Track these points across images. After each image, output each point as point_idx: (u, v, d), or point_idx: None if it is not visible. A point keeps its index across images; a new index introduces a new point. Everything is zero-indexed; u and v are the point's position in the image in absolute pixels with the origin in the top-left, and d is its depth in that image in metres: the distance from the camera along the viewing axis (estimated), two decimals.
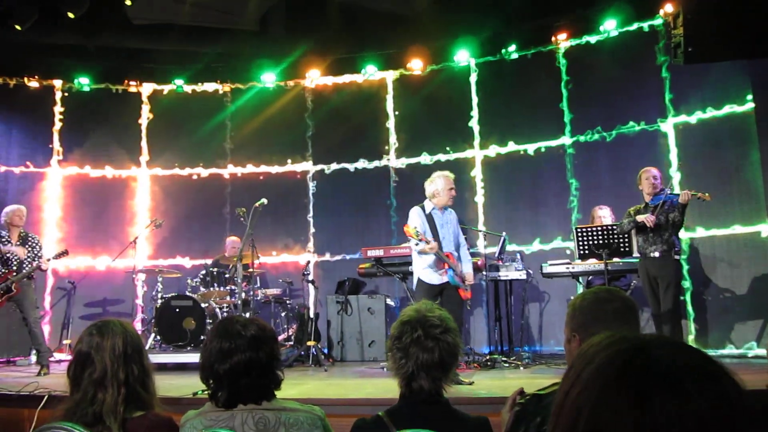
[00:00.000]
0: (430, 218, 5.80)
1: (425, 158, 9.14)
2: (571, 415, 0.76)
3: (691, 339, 7.45)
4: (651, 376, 0.73)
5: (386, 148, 9.36)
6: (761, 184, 7.12)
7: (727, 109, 7.46)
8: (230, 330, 2.11)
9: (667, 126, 7.85)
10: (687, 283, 7.55)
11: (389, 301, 8.25)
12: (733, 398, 0.72)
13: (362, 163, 9.38)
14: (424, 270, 5.75)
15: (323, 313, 8.17)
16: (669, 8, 7.52)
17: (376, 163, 9.38)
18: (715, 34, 6.20)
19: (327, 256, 9.32)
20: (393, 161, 9.32)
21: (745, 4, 5.95)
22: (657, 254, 5.93)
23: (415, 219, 5.79)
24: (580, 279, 7.34)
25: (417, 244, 5.59)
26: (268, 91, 9.66)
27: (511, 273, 7.34)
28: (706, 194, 5.72)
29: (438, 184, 5.78)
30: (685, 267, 7.48)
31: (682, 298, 6.99)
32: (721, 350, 7.23)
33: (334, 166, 9.47)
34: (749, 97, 7.29)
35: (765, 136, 7.11)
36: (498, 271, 7.39)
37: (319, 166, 9.53)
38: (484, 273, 7.06)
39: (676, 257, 5.85)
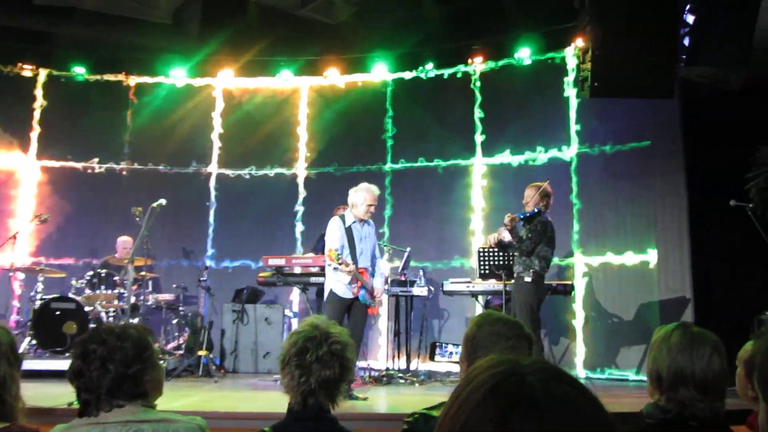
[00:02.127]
0: (349, 232, 5.83)
1: (336, 169, 9.27)
2: None
3: (579, 361, 7.87)
4: (516, 398, 0.80)
5: (296, 156, 9.42)
6: (653, 215, 7.66)
7: (628, 144, 7.98)
8: (98, 337, 1.99)
9: (571, 154, 8.33)
10: (578, 308, 8.00)
11: (288, 312, 8.26)
12: (588, 423, 0.79)
13: (270, 170, 9.38)
14: (337, 283, 5.80)
15: (218, 321, 8.05)
16: (580, 42, 7.99)
17: (284, 171, 9.41)
18: (621, 72, 6.67)
19: (226, 263, 9.25)
20: (302, 170, 9.42)
21: (647, 47, 6.45)
22: (515, 275, 6.12)
23: (335, 232, 5.82)
24: (479, 298, 7.61)
25: (335, 268, 5.65)
26: (176, 88, 9.50)
27: (413, 289, 7.52)
28: (508, 220, 5.94)
29: (359, 197, 5.83)
30: (580, 292, 7.94)
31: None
32: (607, 373, 7.65)
33: (241, 171, 9.43)
34: (647, 134, 7.85)
35: (659, 172, 7.69)
36: (400, 286, 7.57)
37: (225, 170, 9.47)
38: (387, 288, 7.19)
39: (528, 280, 5.92)
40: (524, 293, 5.92)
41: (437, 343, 7.38)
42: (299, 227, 9.23)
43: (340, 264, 5.53)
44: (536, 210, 6.07)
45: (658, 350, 2.01)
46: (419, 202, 9.06)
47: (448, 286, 7.41)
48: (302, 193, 9.33)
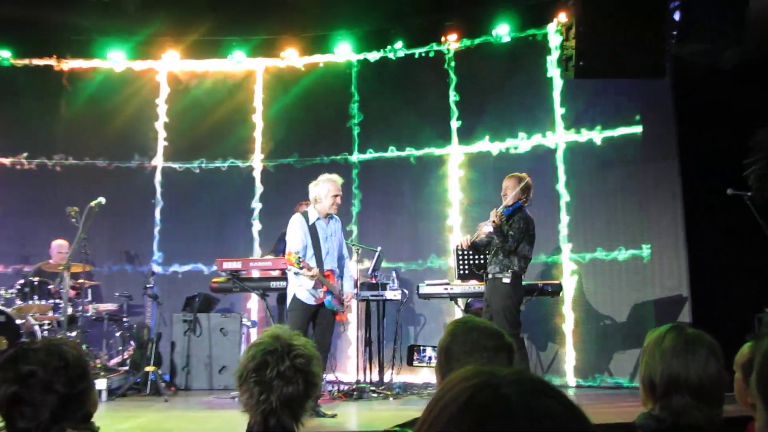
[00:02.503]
0: (313, 230, 5.83)
1: (296, 161, 9.26)
2: None
3: (569, 368, 7.98)
4: (492, 411, 0.83)
5: (252, 147, 9.39)
6: (645, 206, 7.80)
7: (617, 128, 8.10)
8: (32, 357, 1.96)
9: (557, 141, 8.42)
10: (567, 310, 8.10)
11: (245, 322, 8.24)
12: None
13: (223, 163, 9.37)
14: (301, 288, 5.80)
15: (167, 333, 8.00)
16: (563, 18, 8.08)
17: (239, 164, 9.39)
18: (607, 51, 6.77)
19: (175, 267, 9.20)
20: (259, 162, 9.39)
21: (635, 23, 6.54)
22: (489, 276, 6.19)
23: (296, 231, 5.82)
24: (459, 301, 7.64)
25: (296, 273, 5.63)
26: (115, 73, 9.36)
27: (385, 292, 7.56)
28: (497, 217, 6.01)
29: (322, 189, 5.83)
30: (569, 293, 8.04)
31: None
32: (599, 380, 7.78)
33: (190, 164, 9.38)
34: (637, 118, 7.97)
35: (650, 159, 7.83)
36: (371, 289, 7.59)
37: (172, 164, 9.41)
38: (357, 292, 7.21)
39: (507, 281, 6.00)
40: (502, 296, 5.97)
41: (415, 347, 7.43)
42: (257, 226, 9.20)
43: (301, 268, 5.50)
44: (518, 204, 6.13)
45: (650, 355, 2.04)
46: (390, 195, 9.09)
47: (424, 288, 7.44)
48: (259, 188, 9.31)
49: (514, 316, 5.95)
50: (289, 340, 2.15)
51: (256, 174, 9.38)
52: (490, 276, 6.13)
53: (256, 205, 9.28)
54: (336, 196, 5.87)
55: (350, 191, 8.88)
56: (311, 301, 5.79)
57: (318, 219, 5.88)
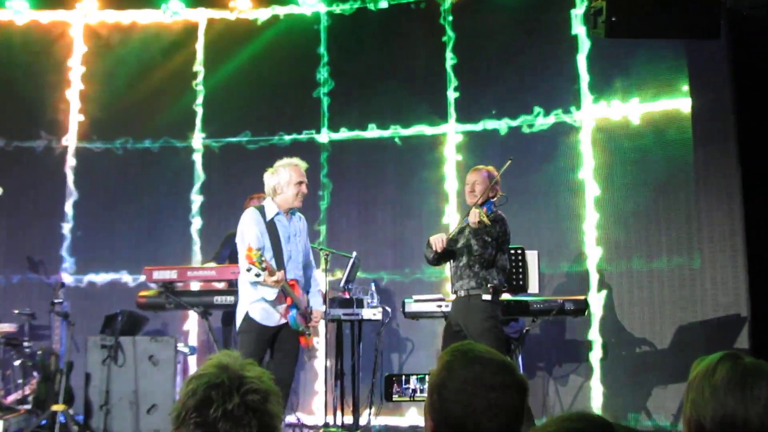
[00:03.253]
0: (271, 228, 5.80)
1: (249, 140, 9.25)
2: None
3: (596, 407, 7.98)
4: None
5: (192, 122, 9.38)
6: (695, 201, 7.77)
7: (658, 101, 8.13)
8: None
9: (582, 117, 8.45)
10: (595, 334, 8.12)
11: (182, 348, 8.18)
12: None
13: (154, 143, 9.36)
14: (257, 304, 5.74)
15: (80, 362, 7.85)
16: None
17: (175, 143, 9.38)
18: (646, 3, 6.77)
19: (91, 277, 9.16)
20: (199, 140, 9.40)
21: None
22: (461, 293, 6.29)
23: (251, 228, 5.76)
24: None
25: (258, 275, 5.51)
26: (15, 27, 9.33)
27: (362, 311, 7.52)
28: (483, 216, 6.03)
29: (282, 177, 5.81)
30: (597, 312, 8.08)
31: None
32: (634, 422, 7.75)
33: (111, 144, 9.37)
34: (684, 88, 7.98)
35: (701, 142, 7.81)
36: (344, 307, 7.55)
37: (88, 144, 9.39)
38: (327, 310, 7.20)
39: (488, 298, 6.14)
40: (483, 317, 6.13)
41: (395, 377, 7.44)
42: (197, 224, 9.20)
43: (264, 269, 5.43)
44: (491, 203, 6.34)
45: (698, 391, 2.03)
46: (369, 187, 9.13)
47: (412, 305, 7.38)
48: (201, 175, 9.31)
49: (501, 340, 6.16)
50: (240, 371, 2.12)
51: (197, 157, 9.37)
52: (462, 293, 6.26)
53: (197, 197, 9.27)
54: (300, 183, 5.85)
55: (317, 181, 8.84)
56: (269, 322, 5.74)
57: (278, 214, 5.84)
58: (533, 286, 7.40)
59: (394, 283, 8.72)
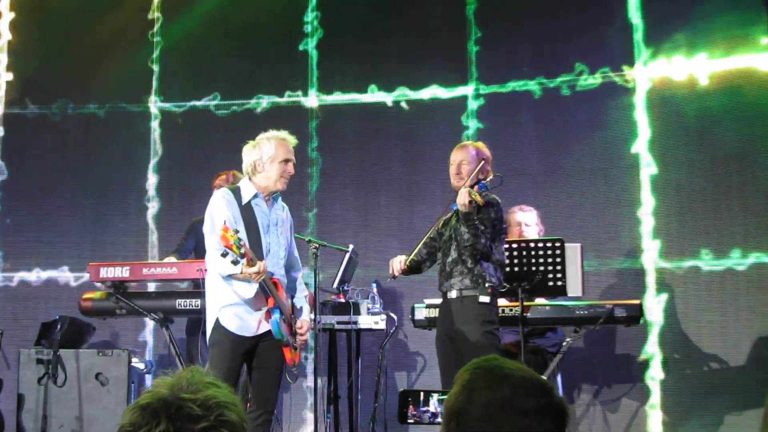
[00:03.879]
0: (248, 212, 5.72)
1: (218, 104, 9.25)
2: None
3: None
4: None
5: (147, 82, 9.38)
6: None
7: (731, 57, 8.07)
8: None
9: (635, 76, 8.42)
10: (653, 347, 8.04)
11: (137, 363, 8.14)
12: None
13: (101, 107, 9.36)
14: (229, 308, 5.65)
15: (11, 380, 7.93)
16: None
17: (126, 107, 9.39)
18: None
19: (23, 276, 9.16)
20: (157, 106, 9.42)
21: None
22: (452, 294, 6.30)
23: (222, 213, 5.65)
24: None
25: (235, 262, 5.40)
26: None
27: (360, 318, 7.50)
28: (476, 196, 6.02)
29: (265, 151, 5.73)
30: (656, 320, 7.99)
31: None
32: None
33: (46, 108, 9.38)
34: (764, 42, 7.94)
35: None
36: (338, 313, 7.51)
37: (19, 109, 9.41)
38: (315, 318, 7.12)
39: (485, 300, 6.17)
40: (480, 323, 6.13)
41: (411, 394, 7.36)
42: (153, 209, 9.19)
43: (242, 256, 5.34)
44: (482, 185, 6.31)
45: None
46: (370, 163, 9.16)
47: (423, 311, 7.28)
48: (158, 148, 9.29)
49: (499, 353, 5.99)
50: (180, 391, 2.04)
51: (154, 125, 9.39)
52: (453, 294, 6.26)
53: (154, 176, 9.26)
54: (287, 161, 5.76)
55: (305, 155, 8.81)
56: (245, 331, 5.62)
57: (256, 197, 5.76)
58: (575, 287, 7.26)
59: (401, 283, 8.56)
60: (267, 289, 5.59)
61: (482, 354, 5.85)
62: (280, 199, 5.95)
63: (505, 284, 6.48)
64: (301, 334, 5.94)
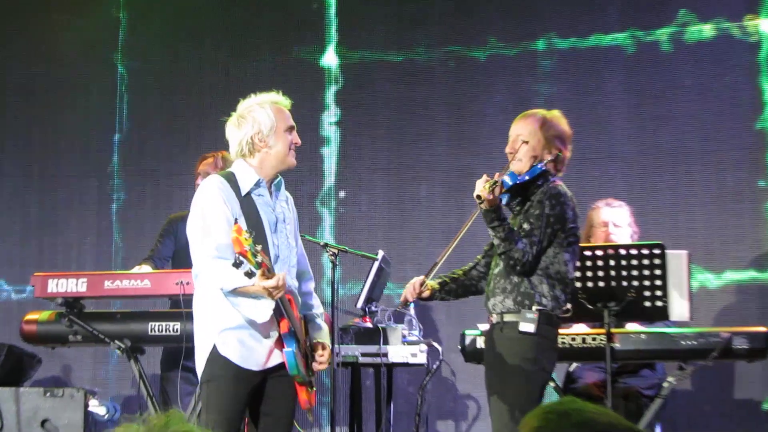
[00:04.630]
0: (249, 206, 5.65)
1: (203, 62, 9.39)
2: None
3: None
4: None
5: (113, 35, 9.48)
6: None
7: None
8: None
9: (763, 26, 8.43)
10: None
11: (96, 407, 8.12)
12: None
13: (50, 69, 9.47)
14: (231, 333, 5.51)
15: None
16: None
17: (82, 67, 9.50)
18: None
19: None
20: (123, 65, 9.55)
21: None
22: (492, 318, 6.10)
23: (218, 210, 5.56)
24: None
25: (250, 274, 5.22)
26: None
27: (393, 349, 7.43)
28: (486, 185, 5.79)
29: (262, 121, 5.63)
30: None
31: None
32: None
33: None
34: None
35: None
36: (363, 342, 7.45)
37: None
38: (332, 348, 7.02)
39: (528, 328, 5.86)
40: (518, 359, 5.88)
41: None
42: (117, 201, 9.26)
43: (258, 265, 5.18)
44: (539, 169, 6.05)
45: None
46: (406, 141, 9.16)
47: (477, 340, 7.21)
48: (125, 122, 9.39)
49: (532, 403, 5.79)
50: None
51: (119, 92, 9.41)
52: (494, 318, 6.06)
53: (118, 161, 9.36)
54: (291, 128, 5.71)
55: (319, 131, 8.90)
56: (251, 363, 5.52)
57: (258, 185, 5.69)
58: (680, 309, 7.15)
59: (447, 303, 8.48)
60: (282, 309, 5.51)
61: (521, 404, 5.75)
62: (283, 186, 5.88)
63: (567, 307, 6.04)
64: (320, 363, 5.83)
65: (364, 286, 7.63)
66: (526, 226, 5.85)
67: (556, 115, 6.18)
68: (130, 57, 9.56)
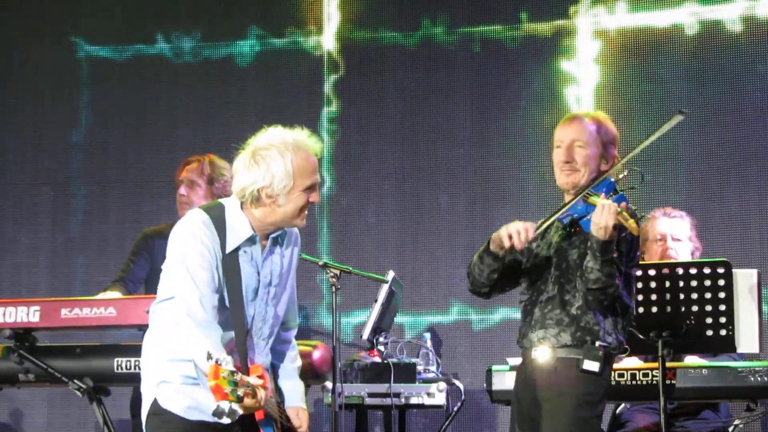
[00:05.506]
0: (230, 267, 5.61)
1: (178, 46, 9.36)
2: None
3: None
4: None
5: (75, 12, 9.54)
6: None
7: None
8: None
9: None
10: None
11: None
12: None
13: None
14: (168, 386, 5.54)
15: None
16: None
17: (36, 50, 9.56)
18: None
19: None
20: (82, 48, 9.56)
21: None
22: (538, 353, 6.07)
23: (199, 270, 5.54)
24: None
25: (232, 413, 5.32)
26: None
27: (407, 388, 7.49)
28: (630, 221, 5.81)
29: (277, 172, 5.49)
30: None
31: None
32: None
33: None
34: None
35: None
36: (370, 380, 7.54)
37: None
38: (333, 387, 7.14)
39: (593, 367, 5.88)
40: (576, 401, 5.93)
41: None
42: (78, 212, 9.29)
43: (240, 399, 5.28)
44: (610, 183, 6.04)
45: None
46: (421, 141, 9.22)
47: (505, 378, 7.30)
48: (87, 116, 9.45)
49: None
50: None
51: (79, 80, 9.51)
52: (541, 354, 6.03)
53: (78, 161, 9.43)
54: (312, 187, 5.64)
55: (316, 127, 8.86)
56: (201, 416, 5.50)
57: (249, 242, 5.68)
58: (749, 340, 7.23)
59: (469, 334, 8.64)
60: (270, 415, 5.62)
61: None
62: (287, 239, 5.87)
63: (626, 345, 6.09)
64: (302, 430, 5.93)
65: (371, 313, 7.68)
66: (616, 259, 5.84)
67: (605, 116, 6.28)
68: (93, 39, 9.57)
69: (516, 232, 5.88)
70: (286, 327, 6.00)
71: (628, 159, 6.06)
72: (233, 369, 5.13)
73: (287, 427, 5.85)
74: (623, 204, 5.78)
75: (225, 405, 5.03)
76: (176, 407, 5.58)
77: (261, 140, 5.63)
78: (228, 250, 5.59)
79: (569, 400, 5.90)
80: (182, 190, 7.37)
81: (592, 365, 5.85)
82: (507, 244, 5.91)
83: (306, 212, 5.68)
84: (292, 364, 6.04)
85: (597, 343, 5.88)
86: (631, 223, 5.70)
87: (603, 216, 5.70)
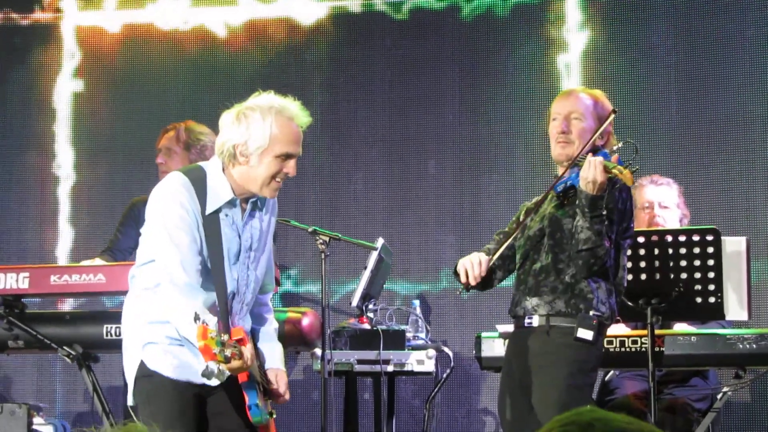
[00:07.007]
0: (211, 229, 5.66)
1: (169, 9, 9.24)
2: None
3: None
4: None
5: None
6: None
7: None
8: None
9: None
10: None
11: (42, 425, 8.13)
12: None
13: None
14: (155, 347, 5.60)
15: None
16: None
17: (15, 18, 9.53)
18: None
19: None
20: (69, 14, 9.49)
21: None
22: (532, 321, 6.13)
23: (178, 230, 5.61)
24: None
25: (221, 374, 5.30)
26: None
27: (395, 355, 7.52)
28: (625, 171, 5.83)
29: (254, 132, 5.58)
30: None
31: None
32: None
33: None
34: None
35: None
36: (359, 346, 7.56)
37: None
38: (323, 354, 7.15)
39: (587, 335, 5.91)
40: (569, 369, 6.00)
41: None
42: (66, 182, 9.25)
43: (227, 360, 5.27)
44: (605, 155, 6.07)
45: None
46: (409, 107, 9.21)
47: (494, 345, 7.31)
48: (76, 86, 9.36)
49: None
50: None
51: (68, 48, 9.48)
52: (536, 321, 6.10)
53: (66, 133, 9.36)
54: (288, 157, 5.67)
55: (303, 95, 8.67)
56: (188, 374, 5.60)
57: (230, 204, 5.72)
58: (737, 306, 7.24)
59: (459, 302, 8.65)
60: (254, 377, 5.64)
61: (557, 410, 5.87)
62: (267, 205, 5.93)
63: (617, 314, 6.20)
64: (279, 396, 5.91)
65: (360, 280, 7.70)
66: (604, 217, 5.90)
67: (601, 93, 6.34)
68: (82, 5, 9.48)
69: (464, 271, 6.10)
70: (263, 290, 6.05)
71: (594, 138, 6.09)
72: (220, 330, 5.20)
73: (268, 390, 5.86)
74: (615, 157, 5.91)
75: (213, 366, 5.08)
76: (165, 368, 5.63)
77: (250, 101, 5.72)
78: (208, 211, 5.64)
79: (562, 367, 5.98)
80: (159, 159, 7.42)
81: (586, 333, 5.89)
82: (463, 281, 6.10)
83: (279, 183, 5.74)
84: (270, 326, 6.10)
85: (591, 312, 5.92)
86: (626, 174, 5.76)
87: (590, 170, 5.79)
